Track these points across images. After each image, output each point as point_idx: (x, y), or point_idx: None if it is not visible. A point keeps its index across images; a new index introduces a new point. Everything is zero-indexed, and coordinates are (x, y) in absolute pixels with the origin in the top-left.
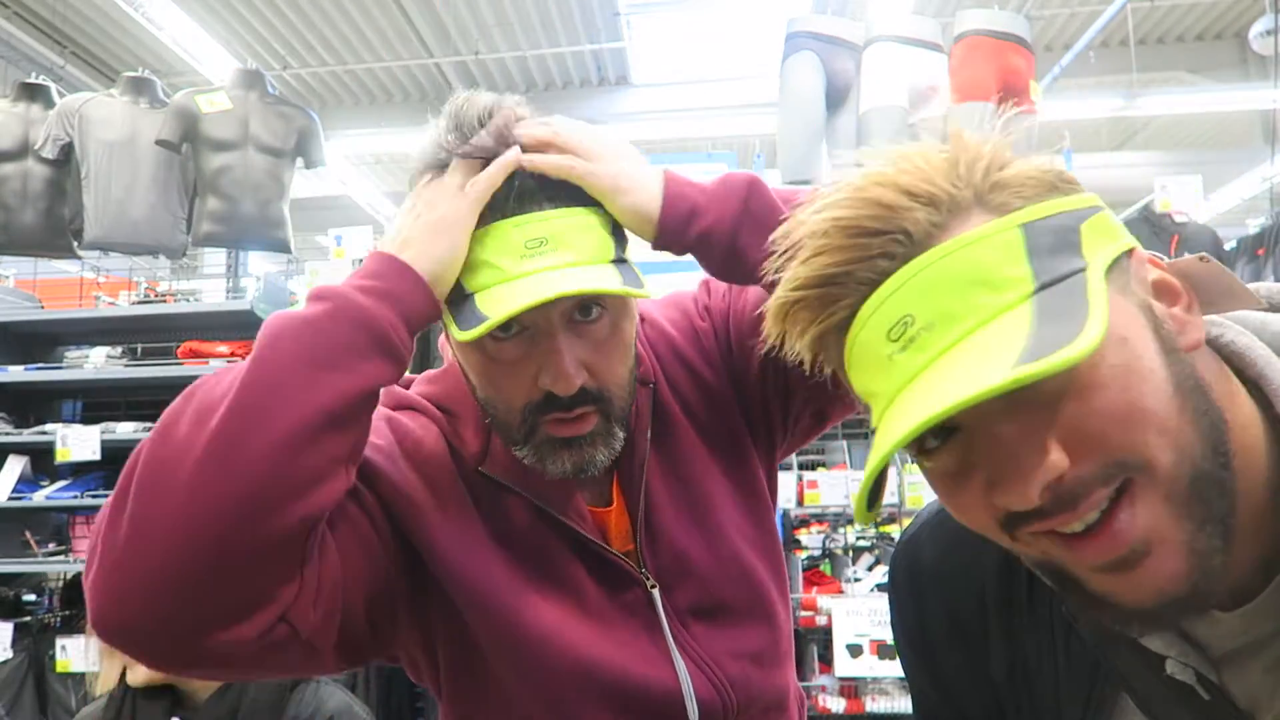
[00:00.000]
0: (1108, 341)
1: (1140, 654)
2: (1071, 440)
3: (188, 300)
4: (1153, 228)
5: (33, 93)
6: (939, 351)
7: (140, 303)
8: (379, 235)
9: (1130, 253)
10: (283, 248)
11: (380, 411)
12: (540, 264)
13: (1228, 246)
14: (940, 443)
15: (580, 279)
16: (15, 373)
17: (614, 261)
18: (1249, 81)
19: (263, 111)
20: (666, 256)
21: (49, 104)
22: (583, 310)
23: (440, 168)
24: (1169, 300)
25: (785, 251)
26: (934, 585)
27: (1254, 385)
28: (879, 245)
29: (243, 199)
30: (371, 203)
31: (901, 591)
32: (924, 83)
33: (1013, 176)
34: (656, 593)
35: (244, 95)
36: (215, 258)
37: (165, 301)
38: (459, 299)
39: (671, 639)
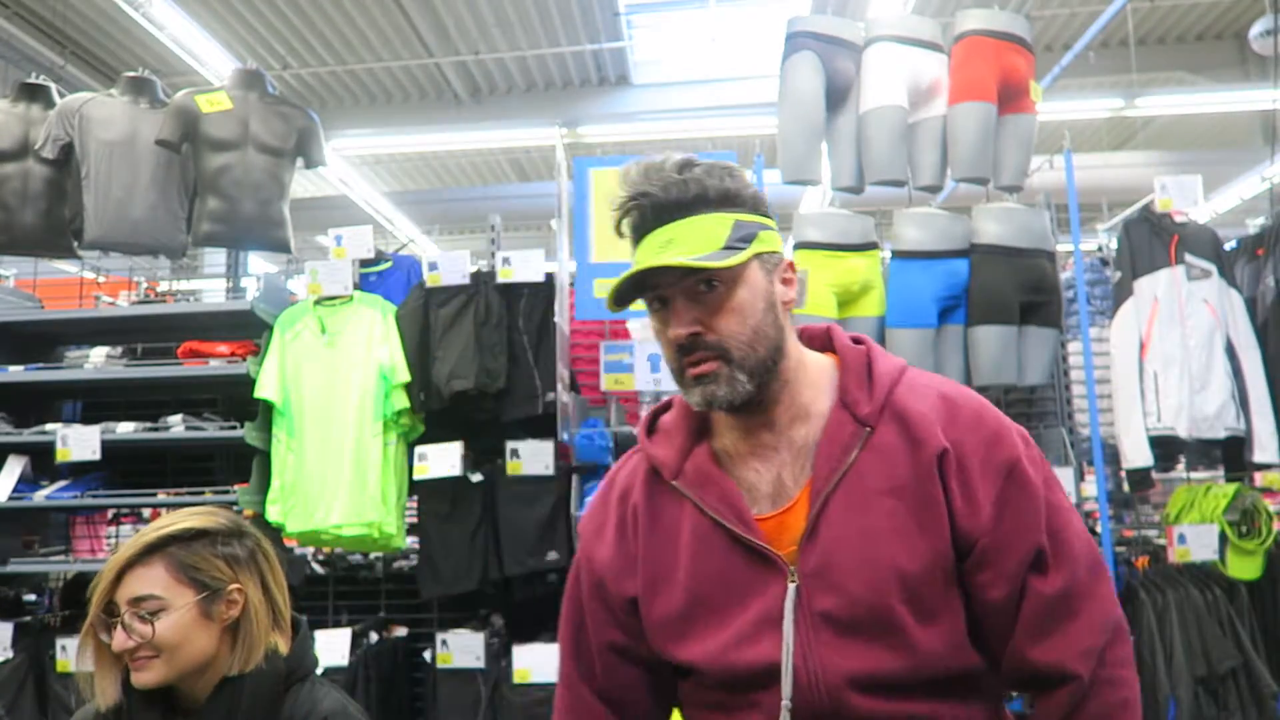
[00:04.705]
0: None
1: None
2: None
3: (188, 300)
4: (1153, 228)
5: (33, 93)
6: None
7: (140, 303)
8: (379, 235)
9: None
10: (283, 248)
11: (620, 480)
12: (662, 258)
13: (1228, 246)
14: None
15: (665, 260)
16: (15, 373)
17: (725, 247)
18: (1249, 81)
19: (263, 111)
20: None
21: (49, 104)
22: (706, 284)
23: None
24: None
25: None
26: None
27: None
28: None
29: (243, 199)
30: (371, 202)
31: None
32: (924, 83)
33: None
34: (793, 587)
35: (244, 95)
36: (215, 258)
37: (165, 301)
38: None
39: (791, 634)
